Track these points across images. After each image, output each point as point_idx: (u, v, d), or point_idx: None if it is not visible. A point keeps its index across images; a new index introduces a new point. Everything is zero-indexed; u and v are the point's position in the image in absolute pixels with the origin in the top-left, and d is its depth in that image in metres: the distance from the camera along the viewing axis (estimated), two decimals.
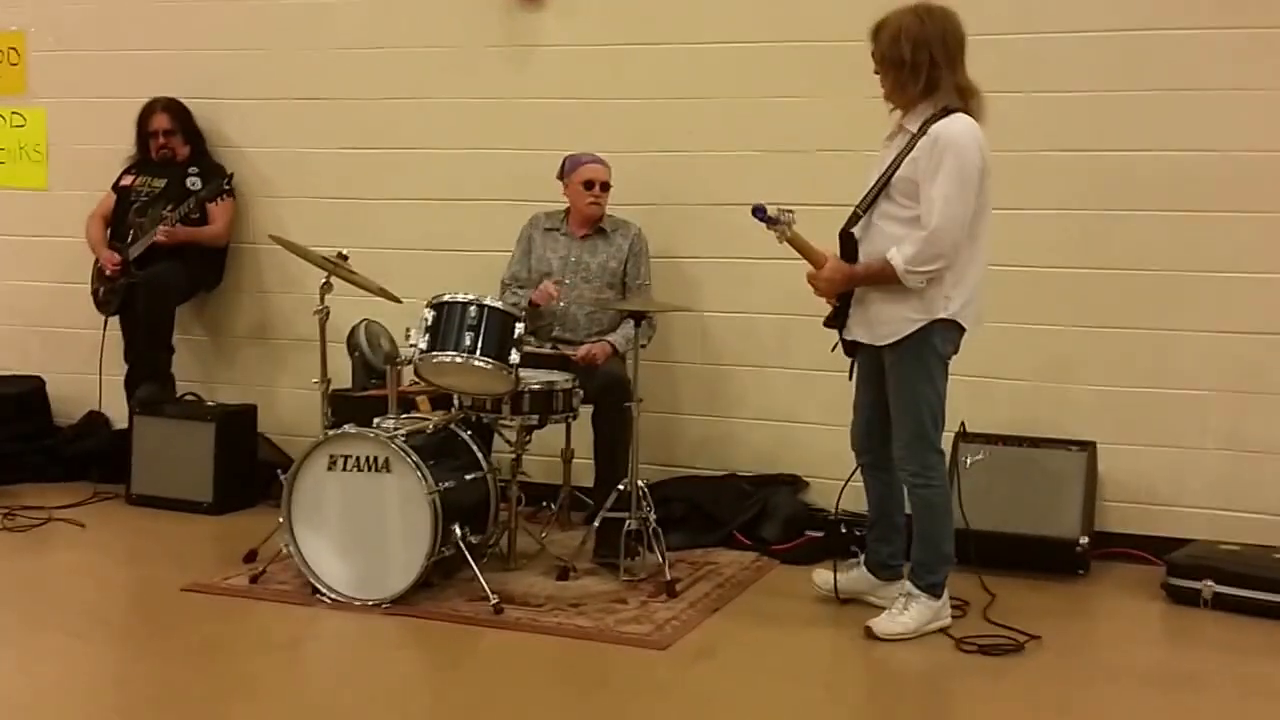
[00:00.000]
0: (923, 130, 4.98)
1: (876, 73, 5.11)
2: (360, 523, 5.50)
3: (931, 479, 5.17)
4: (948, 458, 6.01)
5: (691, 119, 6.76)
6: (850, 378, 5.37)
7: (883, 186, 5.07)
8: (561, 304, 6.42)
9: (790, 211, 5.02)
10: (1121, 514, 6.23)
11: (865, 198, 5.13)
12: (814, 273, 5.07)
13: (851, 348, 5.30)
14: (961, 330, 5.13)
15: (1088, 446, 6.11)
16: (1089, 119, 6.17)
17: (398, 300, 5.95)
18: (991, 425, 6.23)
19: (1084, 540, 5.92)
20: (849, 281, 5.12)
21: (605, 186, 6.47)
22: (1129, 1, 6.10)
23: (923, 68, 4.96)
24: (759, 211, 4.95)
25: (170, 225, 7.15)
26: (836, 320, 5.26)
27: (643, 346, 6.01)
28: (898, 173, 5.02)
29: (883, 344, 5.12)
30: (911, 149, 4.99)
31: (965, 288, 5.05)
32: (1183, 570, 5.66)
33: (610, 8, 6.88)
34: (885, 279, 4.98)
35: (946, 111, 4.97)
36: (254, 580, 5.71)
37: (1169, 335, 6.14)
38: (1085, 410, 6.24)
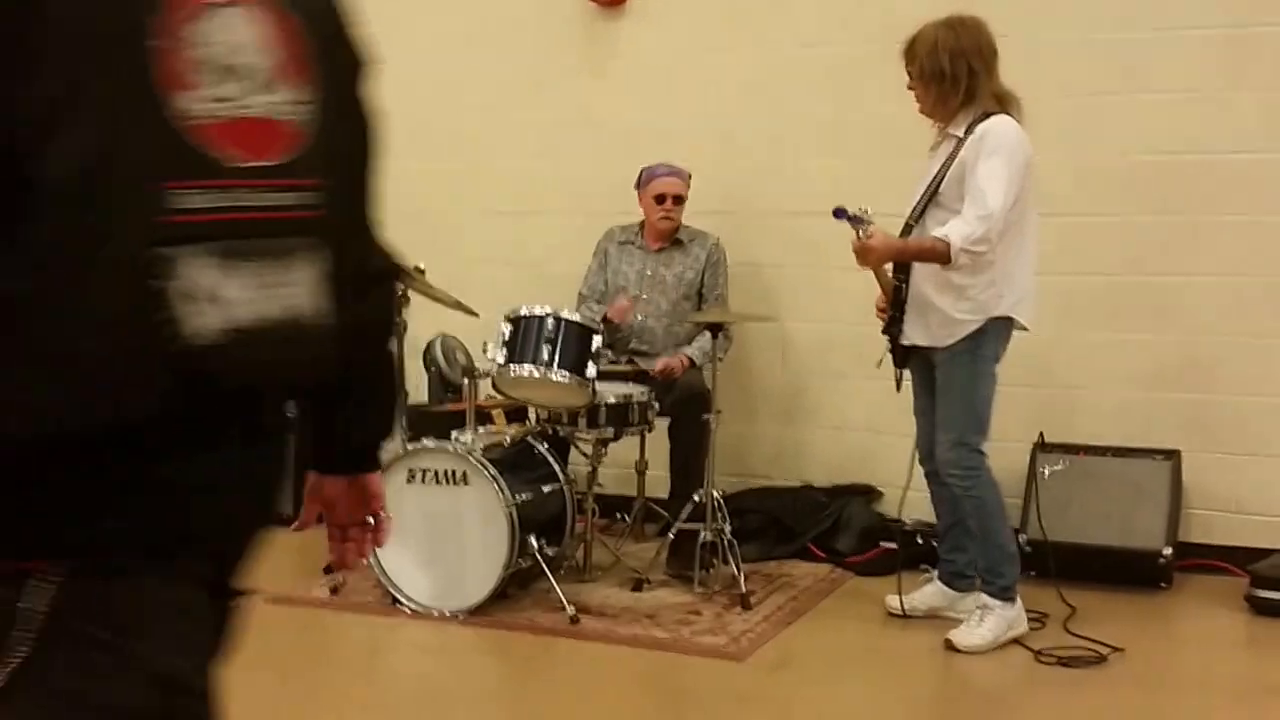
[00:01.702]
0: (969, 133, 5.03)
1: (911, 88, 5.16)
2: (439, 534, 5.53)
3: (978, 480, 5.18)
4: (1024, 467, 6.03)
5: (769, 127, 6.76)
6: (898, 389, 5.37)
7: (933, 193, 5.12)
8: (638, 318, 6.43)
9: (868, 210, 5.01)
10: (1205, 524, 6.16)
11: (915, 208, 5.17)
12: (864, 241, 5.02)
13: (903, 356, 5.30)
14: (1012, 327, 5.14)
15: (1172, 455, 6.05)
16: (1185, 122, 6.10)
17: (475, 314, 5.96)
18: (1072, 435, 6.18)
19: (1167, 551, 5.86)
20: (898, 254, 5.12)
21: (678, 200, 6.45)
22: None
23: (962, 78, 5.04)
24: (841, 213, 4.93)
25: None
26: (892, 327, 5.27)
27: (720, 359, 6.01)
28: (947, 177, 5.06)
29: (942, 345, 5.13)
30: (957, 153, 5.04)
31: (1015, 285, 5.08)
32: (1267, 581, 5.59)
33: (690, 13, 6.88)
34: (935, 256, 4.98)
35: (988, 115, 5.04)
36: (334, 592, 5.77)
37: (1256, 342, 6.07)
38: (1170, 419, 6.18)
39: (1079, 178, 6.13)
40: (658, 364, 6.27)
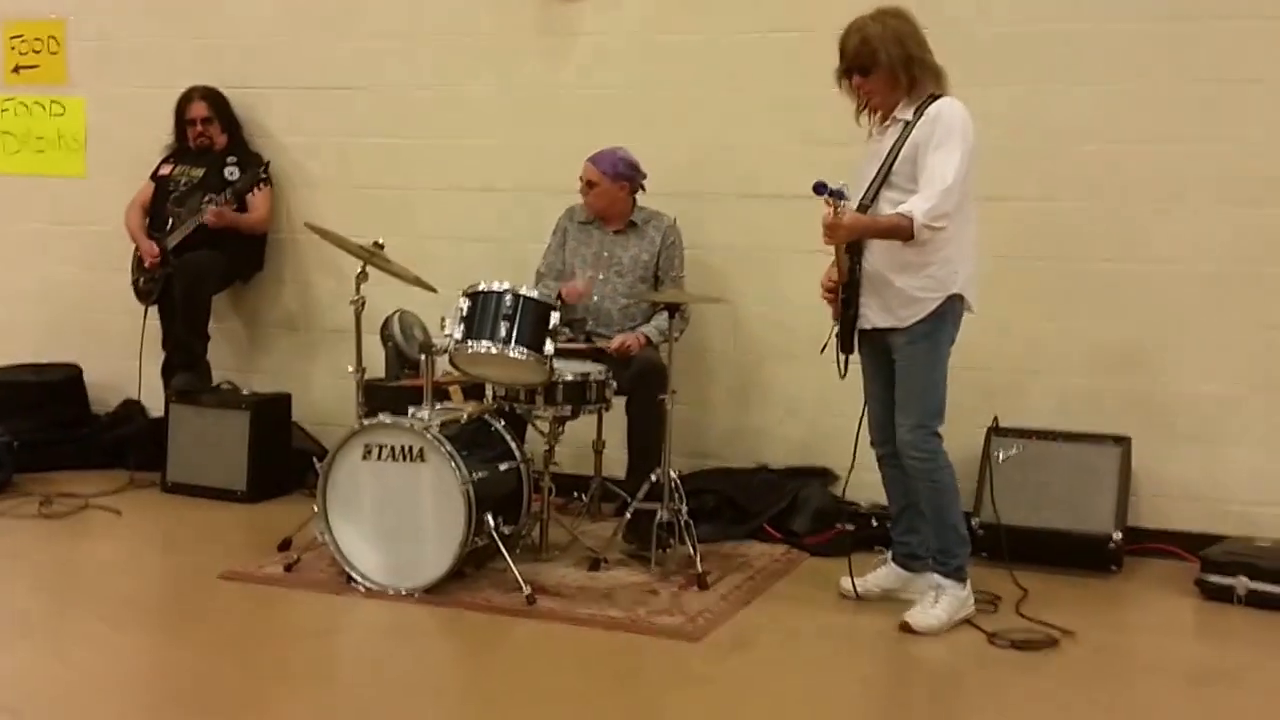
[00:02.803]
0: (919, 114, 5.06)
1: (855, 86, 5.19)
2: (394, 512, 5.51)
3: (938, 462, 5.21)
4: (979, 450, 6.05)
5: (727, 110, 6.75)
6: (842, 375, 5.32)
7: (885, 175, 5.12)
8: (594, 299, 6.42)
9: (848, 186, 5.00)
10: (1156, 509, 6.20)
11: (868, 189, 5.17)
12: (835, 218, 4.98)
13: (853, 340, 5.30)
14: (963, 308, 5.19)
15: (1123, 441, 6.08)
16: (1132, 111, 6.13)
17: (433, 290, 5.96)
18: (1026, 419, 6.21)
19: (1117, 536, 5.89)
20: (865, 230, 5.10)
21: (590, 185, 6.43)
22: None
23: (901, 63, 5.07)
24: (822, 187, 4.90)
25: (218, 210, 7.14)
26: (847, 309, 5.25)
27: (675, 338, 6.01)
28: (900, 158, 5.08)
29: (903, 325, 5.14)
30: (909, 134, 5.06)
31: (966, 262, 5.13)
32: (1217, 566, 5.62)
33: None
34: (899, 232, 4.99)
35: (934, 97, 5.08)
36: (289, 569, 5.73)
37: (1207, 330, 6.11)
38: (1121, 405, 6.21)
39: (1028, 164, 6.16)
40: (614, 341, 6.26)
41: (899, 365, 5.21)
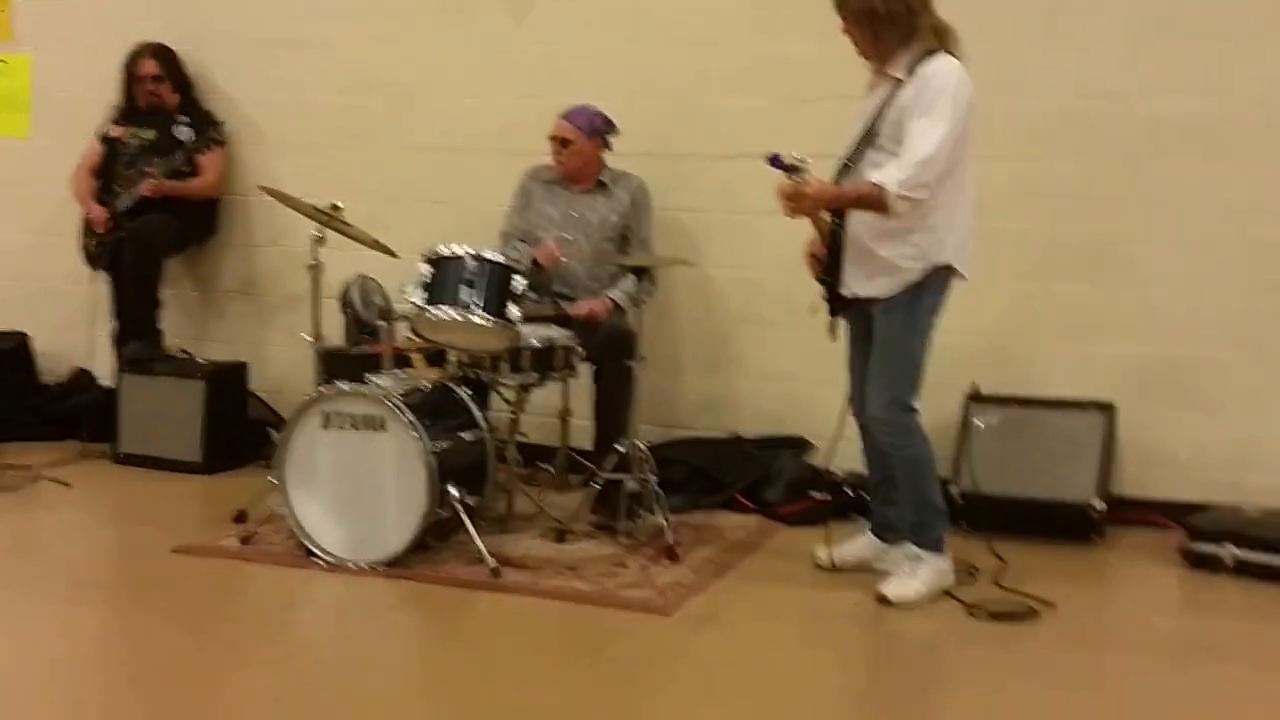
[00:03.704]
0: (910, 72, 4.89)
1: (847, 31, 4.99)
2: (354, 483, 5.38)
3: (910, 438, 5.09)
4: (959, 418, 5.95)
5: (696, 67, 6.61)
6: (833, 337, 5.23)
7: (870, 134, 4.97)
8: (562, 260, 6.26)
9: (805, 160, 4.86)
10: (1141, 478, 6.10)
11: (852, 147, 5.03)
12: (793, 188, 4.85)
13: (838, 306, 5.16)
14: (952, 277, 5.03)
15: (1106, 408, 5.99)
16: (1113, 67, 6.02)
17: (393, 254, 5.82)
18: (1006, 386, 6.10)
19: (1099, 504, 5.80)
20: (834, 200, 4.97)
21: (564, 143, 6.28)
22: None
23: (900, 15, 4.88)
24: (776, 161, 4.78)
25: (157, 178, 6.99)
26: (830, 275, 5.12)
27: (644, 302, 5.86)
28: (886, 118, 4.92)
29: (885, 295, 4.99)
30: (897, 93, 4.89)
31: (957, 231, 4.97)
32: (1203, 535, 5.53)
33: None
34: (870, 202, 4.83)
35: (929, 53, 4.89)
36: (245, 542, 5.60)
37: (1193, 293, 6.00)
38: (1105, 371, 6.11)
39: (1009, 123, 6.00)
40: (581, 307, 6.10)
41: (876, 335, 5.08)
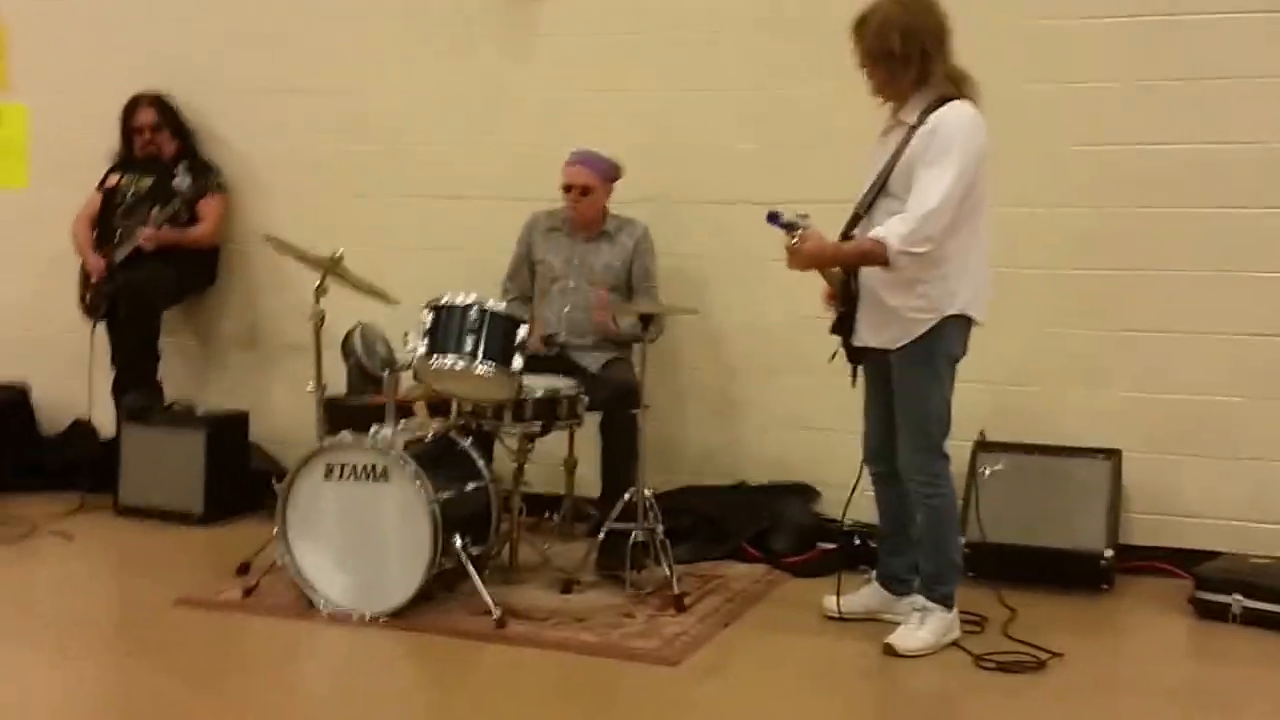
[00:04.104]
0: (921, 121, 4.86)
1: (862, 67, 4.97)
2: (358, 533, 5.35)
3: (940, 487, 5.05)
4: (965, 466, 5.90)
5: (700, 112, 6.59)
6: (853, 384, 5.21)
7: (882, 184, 4.94)
8: (566, 309, 6.23)
9: (806, 216, 4.84)
10: (1147, 526, 6.05)
11: (864, 198, 5.00)
12: (794, 244, 4.86)
13: (856, 354, 5.14)
14: (970, 325, 5.00)
15: (1113, 455, 5.94)
16: (1115, 111, 6.00)
17: (395, 301, 5.79)
18: (1012, 433, 6.06)
19: (1109, 553, 5.75)
20: (833, 259, 4.95)
21: (584, 191, 6.23)
22: None
23: (913, 58, 4.85)
24: (774, 218, 4.77)
25: (155, 228, 6.97)
26: (842, 326, 5.09)
27: (651, 341, 5.78)
28: (897, 168, 4.89)
29: (895, 346, 4.97)
30: (909, 142, 4.87)
31: (971, 279, 4.93)
32: (1211, 584, 5.48)
33: None
34: (872, 259, 4.82)
35: (943, 100, 4.86)
36: (248, 594, 5.54)
37: (1200, 339, 5.97)
38: (1111, 418, 6.06)
39: (1012, 168, 5.97)
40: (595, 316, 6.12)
41: (896, 388, 5.04)
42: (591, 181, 6.22)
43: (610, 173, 6.27)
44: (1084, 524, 5.81)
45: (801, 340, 5.99)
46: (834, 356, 5.15)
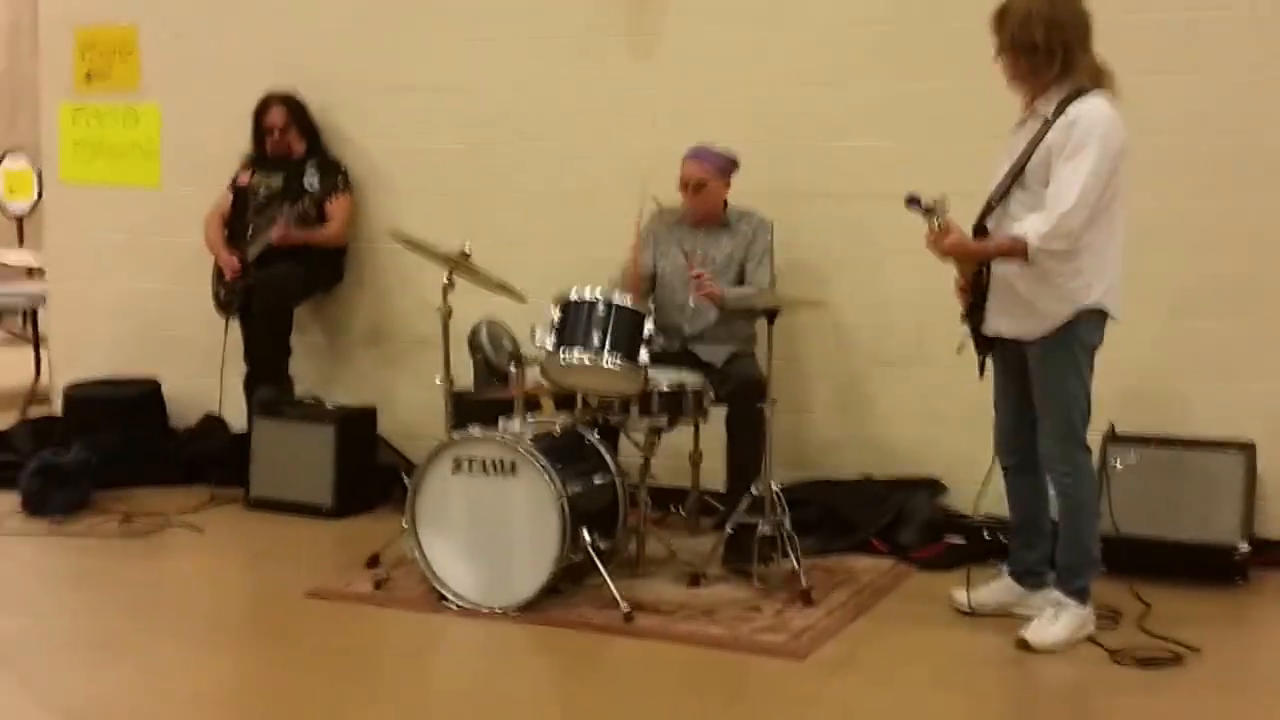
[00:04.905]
0: (1059, 112, 4.81)
1: (998, 59, 4.93)
2: (487, 527, 5.38)
3: (1082, 477, 5.01)
4: (1096, 460, 5.81)
5: (823, 106, 6.54)
6: (980, 375, 5.16)
7: (1017, 175, 4.89)
8: (691, 304, 6.21)
9: (943, 200, 4.80)
10: None
11: (998, 188, 4.95)
12: (936, 236, 4.84)
13: (986, 344, 5.09)
14: (1105, 318, 4.95)
15: (1247, 447, 5.81)
16: (1252, 99, 5.88)
17: (522, 299, 5.83)
18: (1144, 426, 5.95)
19: (1244, 546, 5.64)
20: (976, 255, 4.92)
21: (699, 186, 6.20)
22: None
23: (1056, 50, 4.80)
24: (914, 202, 4.73)
25: (284, 227, 7.07)
26: (973, 315, 5.04)
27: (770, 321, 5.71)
28: (1033, 159, 4.85)
29: (1032, 337, 4.92)
30: (1045, 134, 4.82)
31: (1106, 274, 4.88)
32: None
33: None
34: (1013, 256, 4.79)
35: (1080, 92, 4.81)
36: (378, 586, 5.61)
37: None
38: (1245, 409, 5.94)
39: (1149, 159, 5.81)
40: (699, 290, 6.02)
41: (1034, 378, 5.00)
42: (705, 176, 6.20)
43: (725, 166, 6.23)
44: (1218, 517, 5.69)
45: (926, 333, 5.94)
46: (961, 348, 5.11)
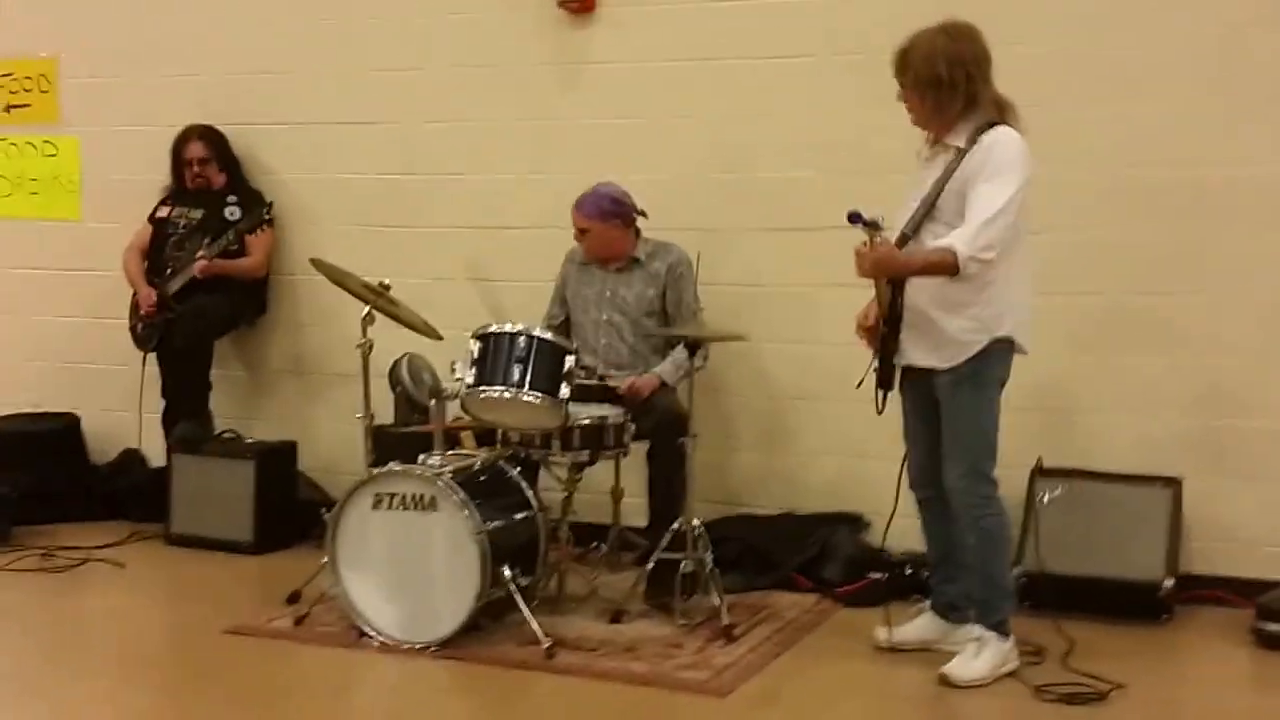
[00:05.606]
0: (971, 143, 4.85)
1: (903, 99, 4.97)
2: (407, 563, 5.33)
3: (991, 508, 5.00)
4: (1023, 494, 5.82)
5: (749, 139, 6.54)
6: (880, 410, 5.11)
7: (930, 207, 4.91)
8: (603, 341, 6.20)
9: (883, 218, 4.79)
10: (1208, 554, 5.93)
11: (911, 220, 4.96)
12: (864, 249, 4.81)
13: (888, 379, 5.08)
14: (1013, 351, 4.96)
15: (1173, 483, 5.84)
16: (1176, 134, 5.92)
17: (439, 337, 5.82)
18: (1069, 460, 5.96)
19: (1168, 582, 5.66)
20: (902, 266, 4.89)
21: (582, 233, 6.19)
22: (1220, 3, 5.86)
23: (960, 85, 4.86)
24: (856, 217, 4.70)
25: (208, 259, 6.98)
26: (885, 346, 5.03)
27: (699, 368, 5.74)
28: (946, 189, 4.87)
29: (946, 366, 4.92)
30: (958, 164, 4.85)
31: (1016, 306, 4.92)
32: (1273, 614, 5.38)
33: (663, 21, 6.65)
34: (940, 268, 4.77)
35: (991, 125, 4.86)
36: (298, 622, 5.55)
37: (1260, 363, 5.86)
38: (1170, 444, 5.96)
39: (1068, 193, 5.90)
40: (624, 383, 6.00)
41: (944, 409, 5.00)
42: (585, 224, 6.17)
43: (608, 210, 6.16)
44: (1143, 553, 5.71)
45: (849, 367, 5.90)
46: (861, 383, 5.11)
